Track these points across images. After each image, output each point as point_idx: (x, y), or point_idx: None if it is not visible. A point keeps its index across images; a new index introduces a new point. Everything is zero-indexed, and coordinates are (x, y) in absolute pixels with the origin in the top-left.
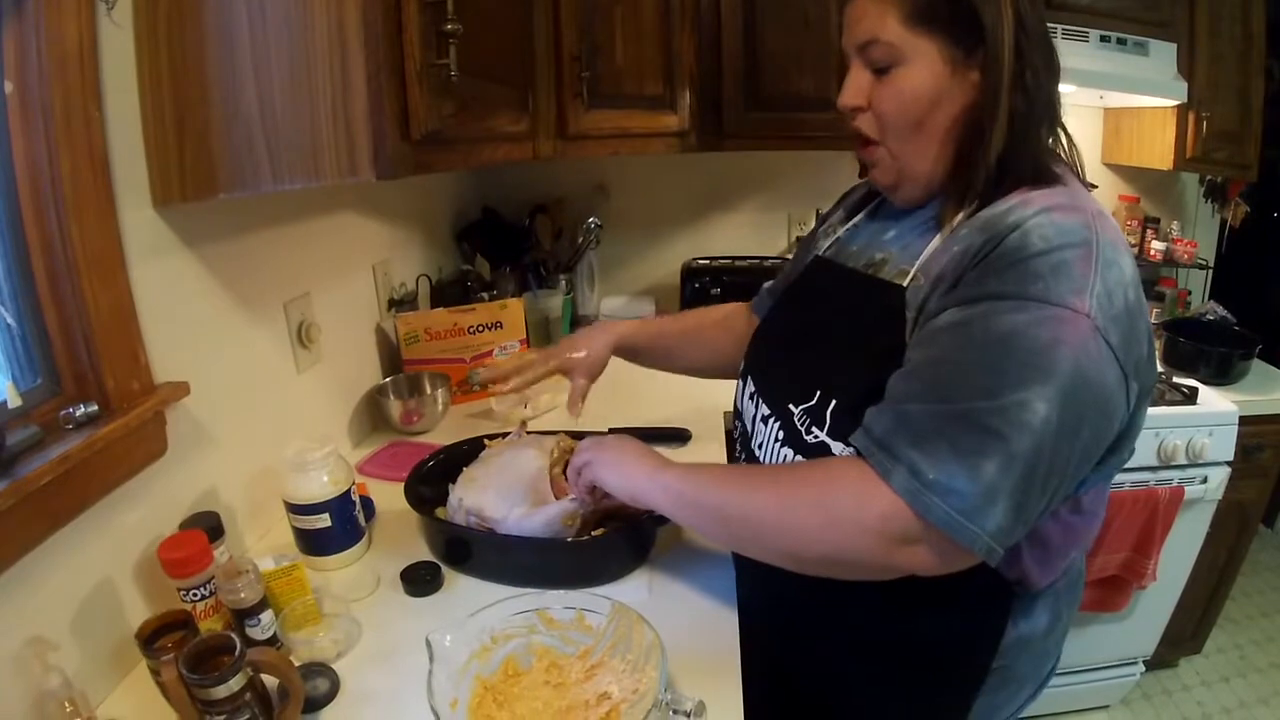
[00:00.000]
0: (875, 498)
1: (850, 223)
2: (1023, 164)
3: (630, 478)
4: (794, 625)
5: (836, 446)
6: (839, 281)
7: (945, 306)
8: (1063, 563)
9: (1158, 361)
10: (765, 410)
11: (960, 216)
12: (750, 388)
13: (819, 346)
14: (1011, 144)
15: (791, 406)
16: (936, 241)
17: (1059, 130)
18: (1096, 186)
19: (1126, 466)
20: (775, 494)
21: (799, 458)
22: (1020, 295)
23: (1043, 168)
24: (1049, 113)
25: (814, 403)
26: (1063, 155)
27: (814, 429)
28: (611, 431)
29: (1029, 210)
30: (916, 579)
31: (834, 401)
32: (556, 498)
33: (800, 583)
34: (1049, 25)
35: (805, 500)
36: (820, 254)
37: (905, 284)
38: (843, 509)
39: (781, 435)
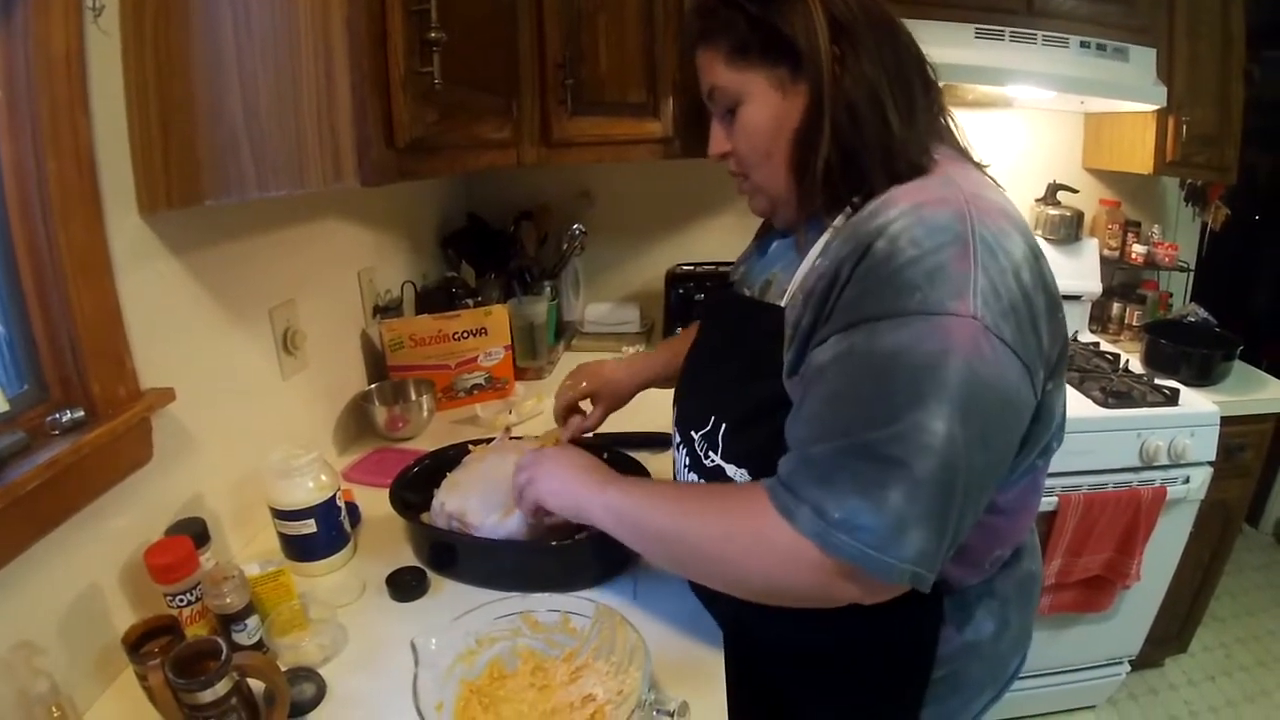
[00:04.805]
0: (778, 537)
1: (758, 250)
2: (877, 161)
3: (573, 496)
4: (742, 636)
5: (730, 469)
6: (734, 309)
7: (826, 336)
8: (987, 561)
9: (1139, 363)
10: (677, 438)
11: (834, 226)
12: (673, 416)
13: (714, 374)
14: (857, 144)
15: (693, 433)
16: (811, 256)
17: (931, 112)
18: (989, 165)
19: (1109, 467)
20: (715, 525)
21: (702, 482)
22: (899, 312)
23: (908, 159)
24: (899, 99)
25: (709, 428)
26: (946, 136)
27: (710, 453)
28: (596, 438)
29: (893, 211)
30: None
31: (724, 425)
32: None
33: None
34: (1029, 31)
35: (742, 535)
36: (727, 282)
37: (784, 303)
38: (784, 552)
39: (688, 461)
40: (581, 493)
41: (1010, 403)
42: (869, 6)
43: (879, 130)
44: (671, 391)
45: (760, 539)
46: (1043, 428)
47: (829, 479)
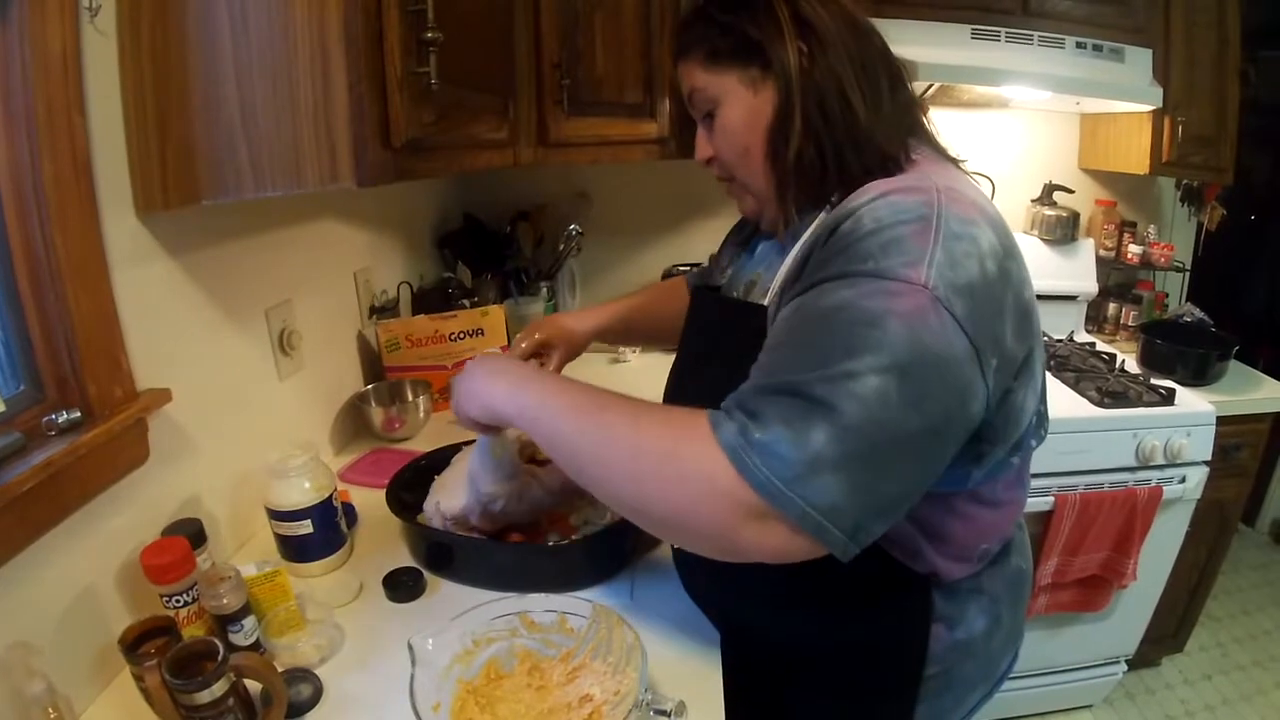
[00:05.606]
0: (695, 460)
1: (746, 253)
2: (847, 148)
3: (489, 405)
4: (738, 636)
5: None
6: (718, 311)
7: (786, 303)
8: (974, 554)
9: (1135, 363)
10: None
11: (813, 226)
12: None
13: (700, 375)
14: (826, 133)
15: None
16: (793, 254)
17: (900, 104)
18: (966, 160)
19: (1105, 467)
20: (638, 440)
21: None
22: (849, 274)
23: (877, 146)
24: (866, 90)
25: None
26: (924, 135)
27: None
28: None
29: (864, 198)
30: (837, 583)
31: None
32: (524, 459)
33: (733, 593)
34: (1025, 32)
35: (658, 450)
36: (709, 285)
37: (767, 301)
38: (692, 466)
39: None
40: (493, 398)
41: (953, 378)
42: (833, 7)
43: (846, 118)
44: (662, 393)
45: (676, 457)
46: (1011, 426)
47: (759, 411)
